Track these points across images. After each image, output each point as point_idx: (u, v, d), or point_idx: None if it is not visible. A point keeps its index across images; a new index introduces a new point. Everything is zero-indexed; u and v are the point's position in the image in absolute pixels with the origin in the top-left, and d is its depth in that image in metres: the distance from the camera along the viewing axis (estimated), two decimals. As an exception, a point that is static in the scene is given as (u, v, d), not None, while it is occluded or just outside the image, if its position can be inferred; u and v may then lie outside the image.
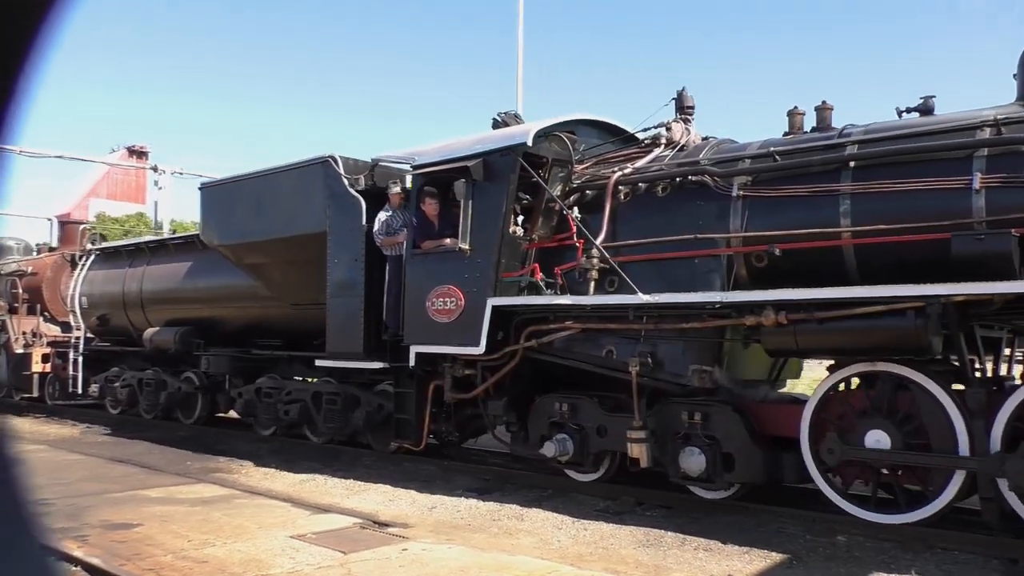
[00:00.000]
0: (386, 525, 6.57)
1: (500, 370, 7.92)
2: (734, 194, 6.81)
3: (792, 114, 7.29)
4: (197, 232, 12.03)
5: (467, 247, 7.85)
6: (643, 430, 6.91)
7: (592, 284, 7.34)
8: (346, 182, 9.26)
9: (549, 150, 7.89)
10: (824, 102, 7.19)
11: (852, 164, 6.31)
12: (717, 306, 6.46)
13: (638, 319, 6.99)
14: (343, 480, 8.65)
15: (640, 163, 7.71)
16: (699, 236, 6.90)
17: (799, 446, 6.49)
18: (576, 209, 7.72)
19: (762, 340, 6.38)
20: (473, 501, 7.60)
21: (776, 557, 5.70)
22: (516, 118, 9.13)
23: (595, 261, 7.32)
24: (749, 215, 6.74)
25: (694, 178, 7.13)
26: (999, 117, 5.81)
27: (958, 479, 5.73)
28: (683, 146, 7.78)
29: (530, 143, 7.66)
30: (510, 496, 7.81)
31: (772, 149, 6.75)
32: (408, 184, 8.98)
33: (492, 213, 7.78)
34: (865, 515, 6.09)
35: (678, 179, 7.23)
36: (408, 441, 8.83)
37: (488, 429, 8.65)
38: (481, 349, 7.72)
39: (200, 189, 11.51)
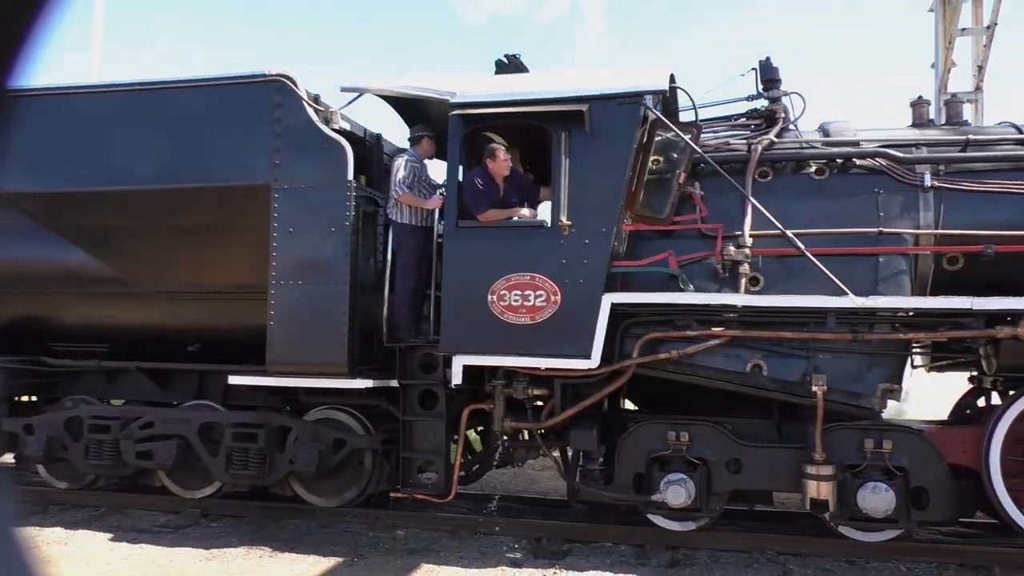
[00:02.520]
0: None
1: (592, 391, 5.90)
2: (927, 183, 5.81)
3: (917, 105, 6.59)
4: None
5: (568, 221, 5.72)
6: (829, 465, 5.54)
7: (744, 280, 5.77)
8: (313, 116, 6.33)
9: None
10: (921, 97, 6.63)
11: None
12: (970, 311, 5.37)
13: (818, 327, 5.62)
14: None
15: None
16: (884, 231, 5.77)
17: (984, 475, 5.69)
18: (698, 185, 6.07)
19: (1002, 353, 5.46)
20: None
21: (340, 556, 5.84)
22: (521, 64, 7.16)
23: (747, 252, 5.78)
24: (945, 209, 5.81)
25: (861, 162, 6.00)
26: None
27: None
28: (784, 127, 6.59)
29: (666, 90, 5.85)
30: (54, 518, 6.84)
31: (969, 137, 5.92)
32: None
33: (605, 178, 5.76)
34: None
35: (839, 160, 6.04)
36: (426, 491, 6.24)
37: (560, 469, 6.44)
38: (594, 362, 5.64)
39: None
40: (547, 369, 5.83)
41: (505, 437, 6.17)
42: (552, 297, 5.73)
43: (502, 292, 5.81)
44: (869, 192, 5.90)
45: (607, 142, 5.76)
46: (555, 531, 6.25)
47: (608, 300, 5.65)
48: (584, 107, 5.68)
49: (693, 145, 5.81)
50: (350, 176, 6.22)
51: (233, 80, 6.49)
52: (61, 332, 7.53)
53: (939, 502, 5.60)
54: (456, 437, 6.38)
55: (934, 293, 5.78)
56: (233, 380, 6.52)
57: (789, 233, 5.62)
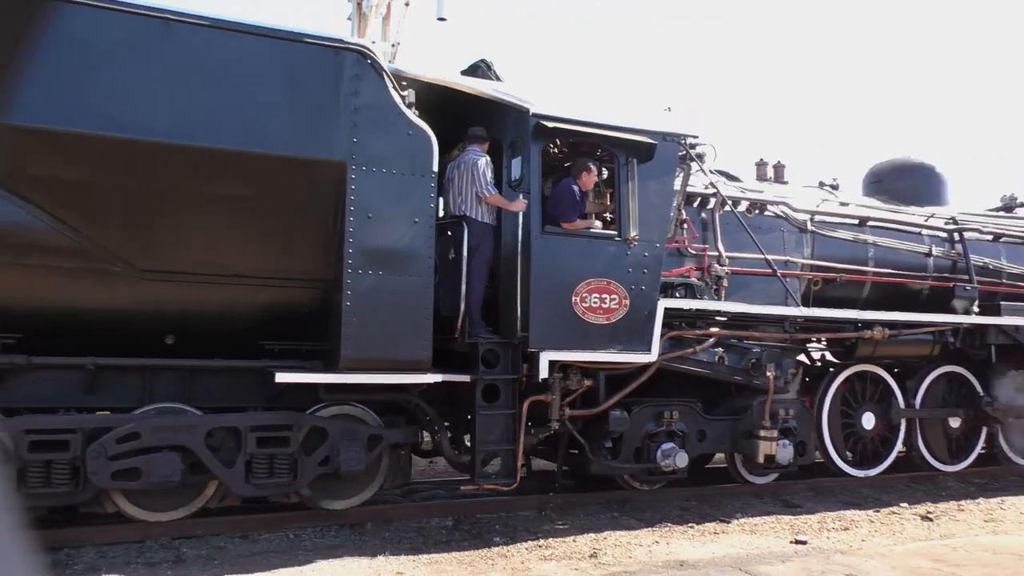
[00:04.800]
0: None
1: (628, 381, 6.93)
2: (808, 227, 8.26)
3: (761, 164, 9.09)
4: None
5: (635, 235, 6.66)
6: (774, 429, 7.57)
7: (723, 292, 7.47)
8: (397, 98, 5.98)
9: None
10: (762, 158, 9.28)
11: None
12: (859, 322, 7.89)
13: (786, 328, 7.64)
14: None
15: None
16: (790, 259, 8.05)
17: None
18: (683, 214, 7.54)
19: (859, 349, 8.11)
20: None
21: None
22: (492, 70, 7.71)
23: (727, 269, 7.49)
24: (816, 247, 8.33)
25: (773, 208, 8.18)
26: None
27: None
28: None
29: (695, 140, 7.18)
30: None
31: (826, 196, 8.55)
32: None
33: (660, 201, 6.87)
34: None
35: (759, 205, 8.12)
36: (495, 481, 6.39)
37: (589, 449, 7.03)
38: (654, 356, 6.72)
39: None
40: (606, 363, 6.68)
41: (558, 423, 6.72)
42: (623, 300, 6.62)
43: (584, 295, 6.47)
44: (778, 231, 8.14)
45: (664, 171, 6.86)
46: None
47: (663, 304, 6.78)
48: (657, 141, 6.70)
49: (717, 186, 7.30)
50: (435, 167, 6.07)
51: (305, 38, 5.68)
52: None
53: (811, 450, 8.11)
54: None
55: (806, 306, 8.26)
56: (285, 378, 5.72)
57: (769, 257, 7.53)
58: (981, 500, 7.99)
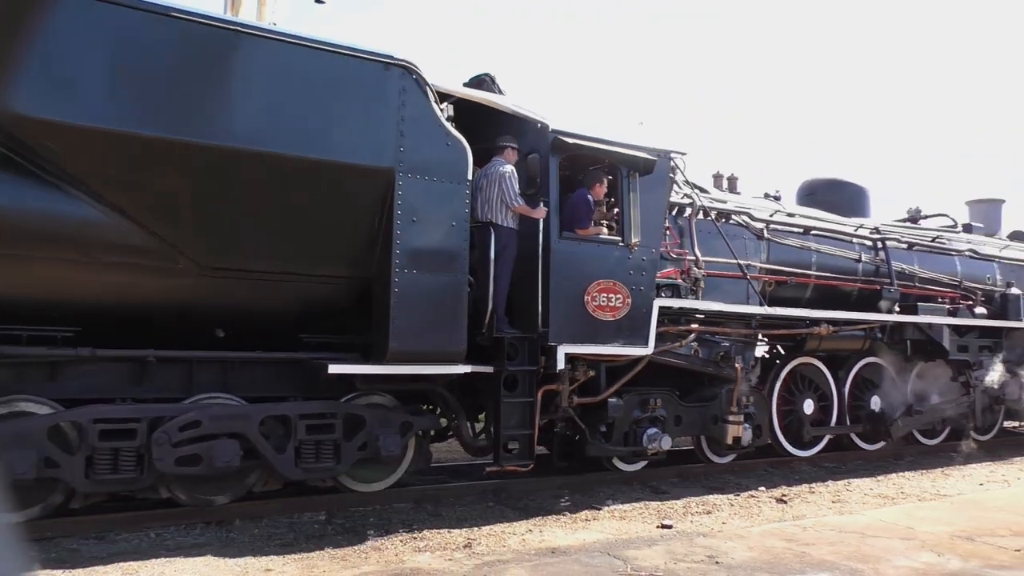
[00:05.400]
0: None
1: (624, 372, 7.70)
2: (765, 235, 9.28)
3: (718, 177, 10.07)
4: None
5: (636, 241, 7.43)
6: (741, 414, 8.52)
7: (700, 292, 8.35)
8: (437, 110, 6.50)
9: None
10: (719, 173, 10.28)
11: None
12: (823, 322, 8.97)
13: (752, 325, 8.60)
14: None
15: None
16: (751, 263, 9.04)
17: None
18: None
19: (808, 343, 9.19)
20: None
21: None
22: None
23: (703, 272, 8.39)
24: (771, 252, 9.36)
25: (736, 217, 9.15)
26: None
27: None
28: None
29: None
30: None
31: (777, 208, 9.59)
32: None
33: (655, 211, 7.66)
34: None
35: (725, 214, 9.06)
36: (516, 463, 6.99)
37: (589, 434, 7.68)
38: (650, 350, 7.51)
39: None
40: (611, 355, 7.42)
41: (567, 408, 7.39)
42: (626, 299, 7.37)
43: (594, 294, 7.19)
44: (741, 238, 9.11)
45: (658, 184, 7.65)
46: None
47: (657, 303, 7.58)
48: (657, 157, 7.49)
49: (693, 197, 8.17)
50: (469, 175, 6.62)
51: (357, 53, 6.11)
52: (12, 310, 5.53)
53: (766, 433, 9.13)
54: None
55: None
56: (337, 370, 6.14)
57: (741, 262, 8.46)
58: (830, 483, 8.56)
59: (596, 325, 7.22)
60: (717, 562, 5.25)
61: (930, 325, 10.24)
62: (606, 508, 7.05)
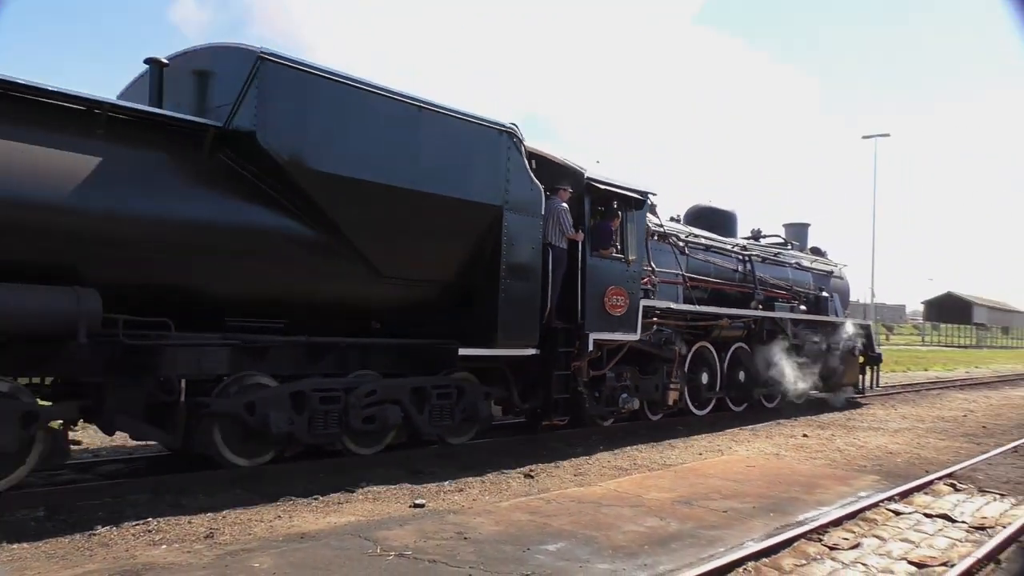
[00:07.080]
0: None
1: (617, 352, 10.54)
2: (685, 251, 12.54)
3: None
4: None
5: (634, 257, 10.30)
6: (680, 383, 11.69)
7: (654, 294, 11.41)
8: (526, 164, 8.93)
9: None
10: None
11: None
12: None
13: (687, 319, 11.75)
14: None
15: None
16: (679, 272, 12.26)
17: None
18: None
19: (713, 332, 12.55)
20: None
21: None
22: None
23: (657, 280, 11.45)
24: (689, 263, 12.65)
25: (671, 238, 12.32)
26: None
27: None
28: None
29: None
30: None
31: (692, 230, 12.89)
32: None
33: (640, 235, 10.57)
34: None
35: (663, 235, 12.21)
36: (561, 418, 9.57)
37: (585, 398, 10.27)
38: (637, 336, 10.42)
39: (262, 58, 6.44)
40: (615, 340, 10.22)
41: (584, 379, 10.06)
42: (627, 301, 10.22)
43: (609, 296, 9.95)
44: (671, 252, 12.30)
45: (642, 216, 10.57)
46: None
47: (642, 303, 10.51)
48: (649, 197, 10.39)
49: (650, 224, 11.21)
50: (543, 211, 9.10)
51: (487, 123, 8.40)
52: (238, 306, 7.21)
53: (685, 398, 12.39)
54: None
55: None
56: (466, 352, 8.38)
57: (677, 272, 11.62)
58: (572, 457, 8.99)
59: (610, 319, 10.02)
60: (465, 538, 5.43)
61: (782, 319, 14.13)
62: (360, 490, 6.91)
